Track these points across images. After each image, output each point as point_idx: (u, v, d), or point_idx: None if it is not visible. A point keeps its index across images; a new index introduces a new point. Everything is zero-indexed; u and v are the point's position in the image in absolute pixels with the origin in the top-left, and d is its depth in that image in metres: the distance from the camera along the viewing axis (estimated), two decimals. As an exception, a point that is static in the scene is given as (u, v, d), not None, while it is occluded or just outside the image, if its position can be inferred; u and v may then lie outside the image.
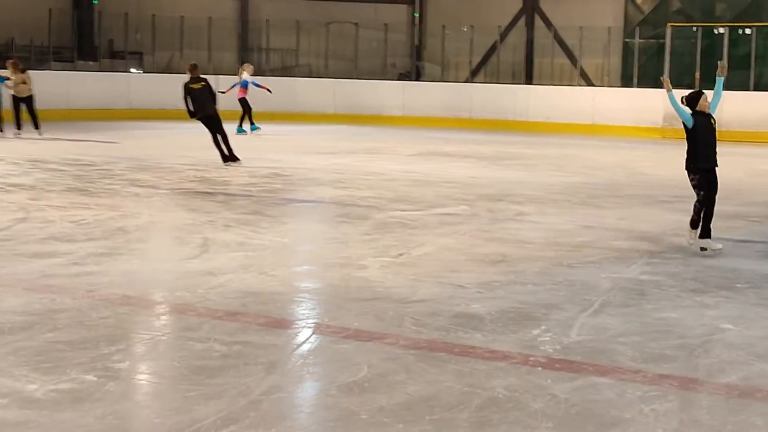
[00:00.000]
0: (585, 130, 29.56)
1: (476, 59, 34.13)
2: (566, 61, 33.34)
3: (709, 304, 8.06)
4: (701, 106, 10.16)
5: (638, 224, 12.29)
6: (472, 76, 33.98)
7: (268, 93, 26.56)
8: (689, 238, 10.34)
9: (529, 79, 33.77)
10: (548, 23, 33.84)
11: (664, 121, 28.93)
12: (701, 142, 10.15)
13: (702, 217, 10.22)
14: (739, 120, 28.15)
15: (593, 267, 9.47)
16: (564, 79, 33.06)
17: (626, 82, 31.47)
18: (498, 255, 9.95)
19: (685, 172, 10.32)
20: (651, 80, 30.57)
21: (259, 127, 25.83)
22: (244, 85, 26.00)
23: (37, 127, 23.59)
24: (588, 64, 32.74)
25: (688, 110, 10.13)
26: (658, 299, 8.19)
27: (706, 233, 10.25)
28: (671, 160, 21.49)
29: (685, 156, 10.25)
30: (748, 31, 29.63)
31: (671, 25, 30.35)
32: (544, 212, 13.13)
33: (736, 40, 29.88)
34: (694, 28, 30.29)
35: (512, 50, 34.39)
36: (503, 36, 34.01)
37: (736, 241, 11.25)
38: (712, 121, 10.20)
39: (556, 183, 16.48)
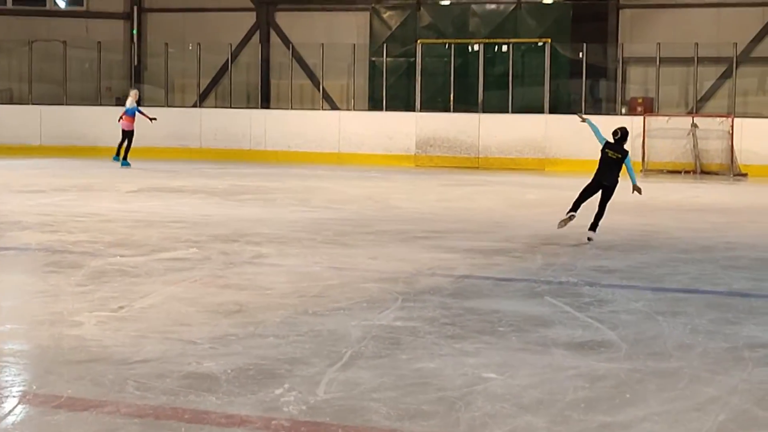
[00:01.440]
0: (330, 160, 29.95)
1: (205, 81, 34.11)
2: (307, 82, 33.71)
3: (469, 352, 8.25)
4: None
5: (391, 264, 12.50)
6: (201, 100, 33.93)
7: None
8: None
9: (265, 103, 33.96)
10: (286, 40, 34.12)
11: (417, 147, 29.62)
12: None
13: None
14: (498, 145, 29.09)
15: (342, 314, 9.56)
16: (305, 103, 33.39)
17: (374, 104, 32.01)
18: (234, 304, 9.92)
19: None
20: (401, 102, 31.21)
21: (129, 164, 26.59)
22: (130, 113, 27.01)
23: None
24: (331, 85, 33.18)
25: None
26: (414, 348, 8.33)
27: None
28: (427, 191, 22.07)
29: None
30: (504, 48, 30.64)
31: (421, 42, 31.14)
32: (286, 253, 13.20)
33: (492, 57, 30.86)
34: (447, 45, 31.14)
35: (246, 70, 34.54)
36: (235, 55, 34.12)
37: (497, 280, 11.59)
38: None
39: (299, 219, 16.60)
